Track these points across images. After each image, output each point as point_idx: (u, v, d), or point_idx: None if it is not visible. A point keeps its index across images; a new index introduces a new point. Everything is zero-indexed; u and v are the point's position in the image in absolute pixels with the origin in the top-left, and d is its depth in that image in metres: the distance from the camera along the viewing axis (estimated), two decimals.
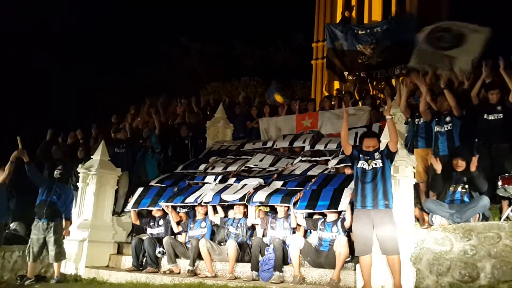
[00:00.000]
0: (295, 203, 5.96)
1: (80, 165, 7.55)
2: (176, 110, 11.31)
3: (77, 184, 7.59)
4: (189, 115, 10.47)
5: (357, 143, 7.23)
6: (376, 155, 5.05)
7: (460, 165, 5.78)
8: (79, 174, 7.53)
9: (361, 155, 5.14)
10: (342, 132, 5.43)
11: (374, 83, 11.92)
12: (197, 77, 21.16)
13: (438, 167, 5.79)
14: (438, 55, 6.82)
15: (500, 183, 5.53)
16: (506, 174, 5.58)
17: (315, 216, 6.09)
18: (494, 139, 6.21)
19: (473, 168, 5.64)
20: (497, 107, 6.33)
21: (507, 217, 5.47)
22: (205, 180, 7.27)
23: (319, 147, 8.20)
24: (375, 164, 5.01)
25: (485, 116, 6.36)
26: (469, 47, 6.68)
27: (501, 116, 6.26)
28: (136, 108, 11.51)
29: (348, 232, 5.54)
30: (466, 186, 5.71)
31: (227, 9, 23.29)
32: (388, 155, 5.01)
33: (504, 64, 6.47)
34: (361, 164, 5.09)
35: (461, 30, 6.78)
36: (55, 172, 6.99)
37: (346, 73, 11.84)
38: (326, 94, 12.53)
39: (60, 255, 6.64)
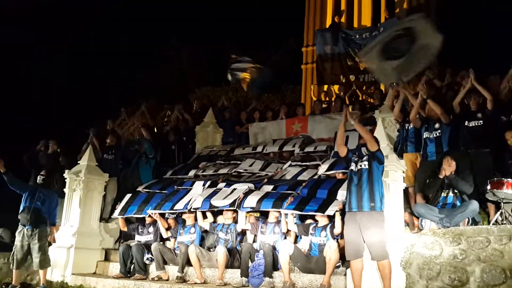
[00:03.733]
0: None
1: (67, 171, 7.43)
2: (165, 115, 11.24)
3: (59, 190, 7.45)
4: (178, 121, 10.40)
5: (348, 147, 7.25)
6: (365, 157, 5.05)
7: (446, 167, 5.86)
8: (65, 180, 7.41)
9: (352, 157, 5.16)
10: (338, 134, 5.46)
11: (364, 88, 11.97)
12: (186, 81, 21.06)
13: (448, 171, 5.75)
14: (393, 67, 6.71)
15: (489, 187, 5.58)
16: (495, 179, 5.62)
17: (307, 221, 6.07)
18: (474, 144, 6.34)
19: (447, 172, 5.72)
20: (477, 114, 6.48)
21: (496, 221, 5.50)
22: (194, 186, 7.20)
23: (309, 149, 8.20)
24: (361, 166, 5.01)
25: (466, 123, 6.50)
26: (421, 50, 6.56)
27: (481, 123, 6.41)
28: (126, 112, 11.40)
29: (337, 238, 5.52)
30: (456, 191, 5.75)
31: (217, 12, 23.31)
32: (372, 156, 5.00)
33: (474, 75, 6.63)
34: (351, 166, 5.11)
35: (416, 32, 6.57)
36: (38, 178, 6.88)
37: (334, 77, 11.88)
38: (314, 98, 12.54)
39: (45, 262, 6.52)
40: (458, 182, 5.69)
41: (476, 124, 6.44)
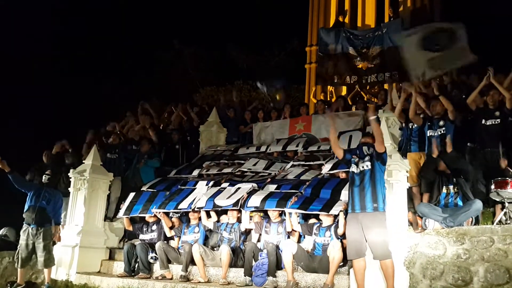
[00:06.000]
0: None
1: (71, 170, 7.47)
2: (168, 115, 11.24)
3: (66, 190, 7.49)
4: (182, 120, 10.42)
5: (351, 147, 7.25)
6: (366, 157, 5.03)
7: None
8: (69, 180, 7.44)
9: (352, 159, 5.14)
10: (331, 137, 5.47)
11: (368, 87, 11.96)
12: (190, 81, 21.11)
13: (450, 147, 5.89)
14: (428, 58, 6.98)
15: (493, 187, 5.57)
16: (499, 178, 5.60)
17: (311, 221, 6.07)
18: (490, 143, 6.30)
19: (449, 149, 5.79)
20: (495, 112, 6.45)
21: (500, 221, 5.48)
22: (197, 185, 7.22)
23: (313, 148, 8.21)
24: (363, 167, 4.99)
25: (483, 121, 6.46)
26: (457, 48, 6.86)
27: (499, 122, 6.37)
28: (127, 114, 11.40)
29: (341, 238, 5.52)
30: (457, 188, 5.76)
31: (221, 13, 23.35)
32: (377, 157, 4.97)
33: (493, 73, 6.60)
34: (352, 167, 5.09)
35: (450, 30, 6.97)
36: (43, 178, 6.92)
37: (336, 77, 11.86)
38: (314, 100, 12.54)
39: (49, 261, 6.56)
40: (459, 159, 5.72)
41: (494, 122, 6.40)
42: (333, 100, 11.56)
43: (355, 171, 5.04)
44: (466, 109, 6.85)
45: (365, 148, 5.10)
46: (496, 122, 6.38)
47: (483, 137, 6.41)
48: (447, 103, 6.52)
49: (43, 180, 6.93)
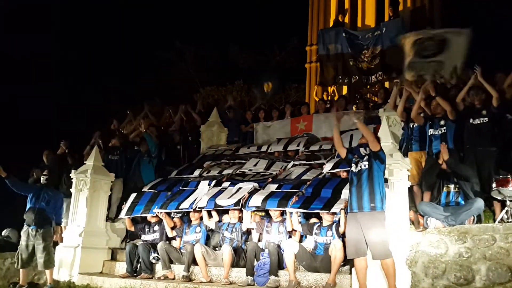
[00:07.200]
0: None
1: (73, 171, 7.48)
2: (168, 116, 11.23)
3: (68, 191, 7.49)
4: (183, 121, 10.42)
5: (352, 146, 7.27)
6: (365, 157, 5.05)
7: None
8: (71, 180, 7.45)
9: (353, 158, 5.16)
10: (334, 137, 5.49)
11: (368, 87, 11.97)
12: (190, 81, 21.13)
13: (446, 155, 5.85)
14: (426, 64, 7.07)
15: (494, 185, 5.57)
16: (500, 176, 5.60)
17: (311, 221, 6.08)
18: (480, 143, 6.29)
19: (445, 156, 5.77)
20: (482, 111, 6.44)
21: (502, 219, 5.49)
22: (199, 185, 7.23)
23: (314, 148, 8.21)
24: (361, 166, 5.01)
25: (471, 120, 6.45)
26: (455, 51, 6.92)
27: (486, 120, 6.36)
28: (132, 114, 11.39)
29: (342, 237, 5.53)
30: (458, 187, 5.76)
31: (221, 13, 23.36)
32: (374, 156, 4.99)
33: (481, 72, 6.60)
34: (352, 167, 5.12)
35: (443, 36, 7.05)
36: (42, 178, 6.91)
37: (338, 77, 11.86)
38: (316, 99, 12.55)
39: (49, 262, 6.56)
40: (458, 166, 5.71)
41: (481, 121, 6.39)
42: (335, 99, 11.55)
43: (354, 171, 5.08)
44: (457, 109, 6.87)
45: (362, 150, 5.15)
46: (484, 121, 6.37)
47: (473, 136, 6.40)
48: (445, 103, 6.53)
49: (41, 181, 6.94)
